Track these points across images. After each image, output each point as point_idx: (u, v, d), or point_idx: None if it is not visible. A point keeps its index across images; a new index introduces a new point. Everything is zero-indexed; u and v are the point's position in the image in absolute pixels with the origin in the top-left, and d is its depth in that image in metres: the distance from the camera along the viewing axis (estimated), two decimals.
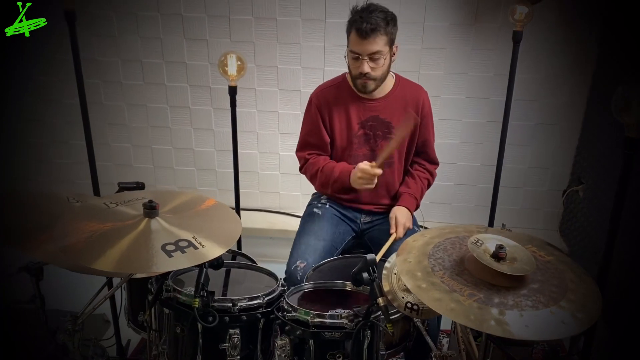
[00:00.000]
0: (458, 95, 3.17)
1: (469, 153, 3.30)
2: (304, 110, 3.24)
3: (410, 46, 3.07)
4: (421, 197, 2.44)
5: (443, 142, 3.25)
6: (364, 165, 2.13)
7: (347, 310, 1.57)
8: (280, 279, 1.85)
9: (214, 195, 3.54)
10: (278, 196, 3.51)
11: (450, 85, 3.15)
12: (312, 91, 2.40)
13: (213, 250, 1.41)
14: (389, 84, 2.31)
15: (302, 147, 2.40)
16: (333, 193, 2.38)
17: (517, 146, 3.23)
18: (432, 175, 2.50)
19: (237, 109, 3.27)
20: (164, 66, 3.25)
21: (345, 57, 2.25)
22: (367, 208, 2.42)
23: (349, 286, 1.81)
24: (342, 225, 2.39)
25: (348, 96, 2.29)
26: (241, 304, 1.62)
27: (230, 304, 1.61)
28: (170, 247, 1.38)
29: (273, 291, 1.72)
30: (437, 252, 1.49)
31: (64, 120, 3.39)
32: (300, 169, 2.43)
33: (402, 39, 3.04)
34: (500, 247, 1.40)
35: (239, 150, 3.37)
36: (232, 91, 2.61)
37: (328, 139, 2.33)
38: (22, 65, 3.28)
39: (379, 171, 2.11)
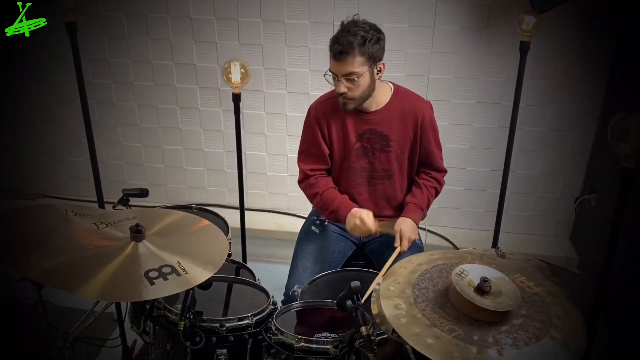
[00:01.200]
0: (469, 100, 3.11)
1: (479, 158, 3.25)
2: None
3: (420, 50, 3.03)
4: (428, 207, 2.41)
5: (453, 147, 3.22)
6: (366, 218, 2.16)
7: (332, 335, 1.57)
8: (272, 296, 1.85)
9: (223, 196, 3.58)
10: (286, 197, 3.52)
11: (461, 89, 3.09)
12: (313, 102, 2.38)
13: (196, 277, 1.42)
14: (385, 95, 2.27)
15: (302, 159, 2.38)
16: (327, 218, 2.38)
17: (529, 152, 3.17)
18: (440, 182, 2.45)
19: (246, 111, 3.32)
20: (174, 68, 3.26)
21: (325, 74, 2.21)
22: None
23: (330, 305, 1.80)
24: (341, 242, 2.38)
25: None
26: (229, 325, 1.64)
27: (217, 325, 1.62)
28: (153, 274, 1.39)
29: (262, 310, 1.72)
30: (422, 282, 1.47)
31: (78, 119, 3.44)
32: (300, 182, 2.41)
33: (411, 42, 3.03)
34: (484, 280, 1.38)
35: (247, 152, 3.42)
36: (236, 98, 2.61)
37: (327, 151, 2.32)
38: (33, 66, 3.33)
39: (375, 233, 2.18)
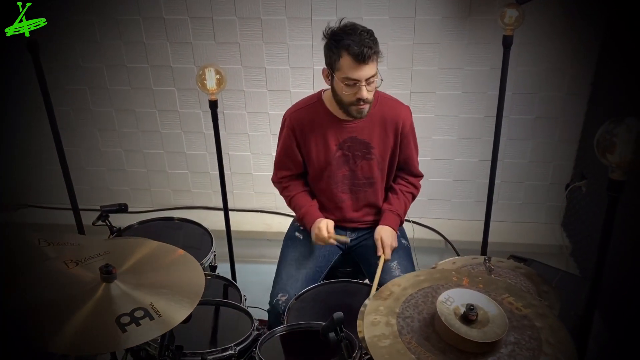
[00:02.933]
0: (454, 90, 3.03)
1: (467, 149, 3.18)
2: None
3: (402, 42, 2.93)
4: (405, 213, 2.37)
5: (440, 139, 3.15)
6: (322, 230, 2.16)
7: None
8: (256, 320, 1.80)
9: (208, 198, 3.51)
10: (273, 197, 3.45)
11: (446, 80, 3.01)
12: (287, 110, 2.30)
13: (171, 318, 1.36)
14: None
15: (276, 167, 2.37)
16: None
17: (518, 140, 3.11)
18: (417, 187, 2.41)
19: (226, 111, 3.23)
20: (149, 70, 3.16)
21: (329, 79, 2.09)
22: (352, 226, 2.36)
23: (314, 327, 1.75)
24: (326, 246, 2.33)
25: (324, 117, 2.18)
26: (212, 357, 1.58)
27: (199, 358, 1.57)
28: (125, 319, 1.33)
29: (246, 338, 1.67)
30: (407, 309, 1.42)
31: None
32: (274, 183, 2.44)
33: (393, 34, 2.93)
34: (470, 309, 1.32)
35: (231, 153, 3.35)
36: (213, 105, 2.52)
37: (301, 160, 2.27)
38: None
39: (333, 243, 2.17)
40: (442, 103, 3.07)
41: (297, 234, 2.36)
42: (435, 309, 1.38)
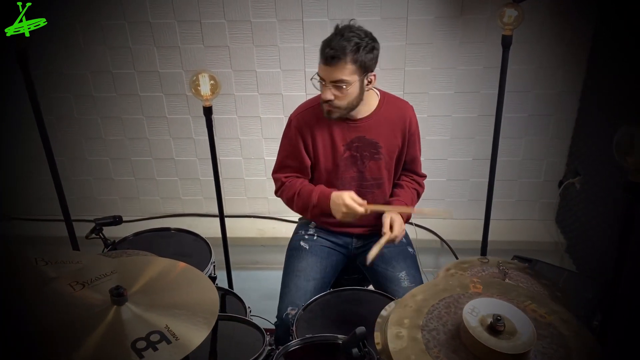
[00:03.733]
0: (447, 90, 3.02)
1: (460, 148, 3.17)
2: (287, 115, 3.11)
3: (394, 43, 2.91)
4: (412, 203, 2.31)
5: (433, 139, 3.13)
6: (351, 200, 2.01)
7: None
8: (267, 335, 1.75)
9: (199, 204, 3.44)
10: (266, 201, 3.40)
11: (439, 80, 2.99)
12: (293, 111, 2.25)
13: (189, 341, 1.30)
14: (373, 102, 2.17)
15: (279, 169, 2.27)
16: (312, 218, 2.27)
17: (511, 139, 3.11)
18: (421, 185, 2.38)
19: (217, 116, 3.15)
20: (136, 76, 3.07)
21: (312, 78, 2.08)
22: (358, 232, 2.31)
23: (340, 339, 1.70)
24: (333, 256, 2.29)
25: None
26: None
27: None
28: (141, 344, 1.27)
29: (259, 355, 1.62)
30: (431, 322, 1.38)
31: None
32: (276, 192, 2.30)
33: (385, 35, 2.89)
34: (497, 319, 1.30)
35: (222, 158, 3.28)
36: (207, 111, 2.46)
37: (309, 162, 2.20)
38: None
39: (362, 211, 2.02)
40: (435, 103, 3.05)
41: (302, 243, 2.30)
42: (460, 320, 1.35)
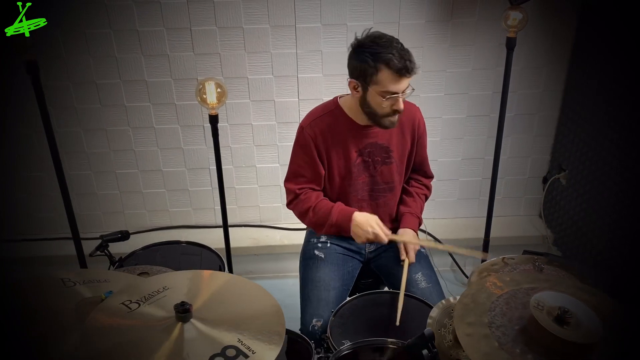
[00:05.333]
0: (437, 92, 3.08)
1: (449, 149, 3.24)
2: (279, 121, 3.11)
3: None
4: (421, 214, 2.37)
5: None
6: (379, 229, 2.06)
7: None
8: (314, 350, 1.72)
9: (188, 216, 3.37)
10: (258, 209, 3.36)
11: (429, 83, 3.05)
12: (303, 119, 2.22)
13: (264, 355, 1.26)
14: None
15: (292, 179, 2.22)
16: (325, 234, 2.26)
17: None
18: (429, 188, 2.44)
19: (206, 124, 3.10)
20: (122, 86, 2.97)
21: (359, 91, 2.01)
22: None
23: (390, 343, 1.70)
24: (349, 262, 2.28)
25: (344, 124, 2.14)
26: None
27: None
28: None
29: None
30: (496, 319, 1.41)
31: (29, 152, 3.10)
32: (289, 204, 2.26)
33: None
34: (565, 311, 1.34)
35: (212, 168, 3.21)
36: (214, 120, 2.41)
37: (323, 172, 2.18)
38: None
39: (385, 241, 2.08)
40: (425, 105, 3.05)
41: (316, 252, 2.28)
42: (526, 315, 1.39)
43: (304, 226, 3.31)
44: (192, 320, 1.33)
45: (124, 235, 2.31)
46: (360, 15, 2.87)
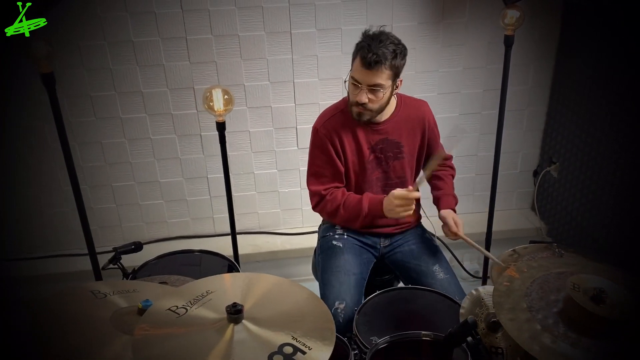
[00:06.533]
0: (430, 92, 3.15)
1: (444, 147, 3.30)
2: (276, 127, 3.13)
3: None
4: (454, 191, 2.44)
5: None
6: (400, 191, 2.06)
7: None
8: (350, 347, 1.74)
9: (186, 226, 3.34)
10: (257, 216, 3.36)
11: (422, 83, 3.12)
12: (315, 121, 2.26)
13: (321, 351, 1.28)
14: (392, 104, 2.25)
15: (316, 181, 2.26)
16: (361, 228, 2.29)
17: (489, 134, 3.27)
18: (453, 168, 2.53)
19: (204, 133, 3.10)
20: (117, 97, 2.94)
21: (345, 80, 2.14)
22: (386, 231, 2.37)
23: (424, 335, 1.73)
24: (364, 254, 2.33)
25: (355, 121, 2.18)
26: None
27: None
28: (277, 358, 1.24)
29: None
30: (533, 303, 1.46)
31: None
32: (315, 206, 2.30)
33: None
34: (601, 291, 1.40)
35: (210, 176, 3.21)
36: (221, 127, 2.42)
37: (342, 168, 2.24)
38: None
39: (418, 194, 2.07)
40: None
41: (334, 242, 2.32)
42: (563, 297, 1.45)
43: (304, 230, 3.38)
44: (243, 321, 1.34)
45: (137, 247, 2.29)
46: (354, 19, 2.92)
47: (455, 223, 2.23)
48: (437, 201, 2.36)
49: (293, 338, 1.30)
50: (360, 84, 2.03)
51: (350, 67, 2.11)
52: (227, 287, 1.49)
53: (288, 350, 1.27)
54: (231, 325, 1.32)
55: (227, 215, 3.31)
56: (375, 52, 1.96)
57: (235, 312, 1.32)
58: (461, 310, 1.67)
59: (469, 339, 1.43)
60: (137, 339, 1.31)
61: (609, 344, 1.34)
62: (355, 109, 2.11)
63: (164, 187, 3.21)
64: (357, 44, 2.06)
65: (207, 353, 1.27)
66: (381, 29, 2.06)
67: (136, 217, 3.26)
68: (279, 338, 1.31)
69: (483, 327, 1.65)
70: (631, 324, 1.37)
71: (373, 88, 2.03)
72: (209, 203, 3.29)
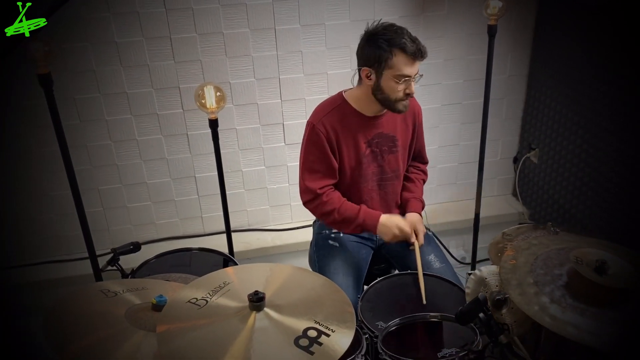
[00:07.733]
0: None
1: (427, 138, 3.34)
2: (263, 124, 3.14)
3: None
4: (422, 196, 2.49)
5: None
6: (407, 230, 2.20)
7: (455, 350, 1.57)
8: (363, 335, 1.78)
9: (175, 227, 3.33)
10: (246, 213, 3.37)
11: None
12: (310, 117, 2.27)
13: (344, 332, 1.31)
14: None
15: (309, 176, 2.25)
16: (349, 233, 2.33)
17: (471, 124, 3.37)
18: (426, 173, 2.57)
19: (190, 132, 3.10)
20: (102, 99, 2.92)
21: (371, 78, 2.12)
22: None
23: (432, 317, 1.78)
24: (362, 249, 2.36)
25: (352, 117, 2.22)
26: None
27: None
28: (303, 342, 1.27)
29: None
30: (539, 278, 1.52)
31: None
32: (307, 203, 2.29)
33: (354, 37, 2.95)
34: (603, 262, 1.47)
35: (197, 176, 3.21)
36: (213, 124, 2.43)
37: (336, 165, 2.25)
38: None
39: (412, 240, 2.22)
40: None
41: (330, 242, 2.34)
42: (568, 270, 1.51)
43: (294, 226, 3.40)
44: (265, 309, 1.37)
45: (136, 247, 2.28)
46: (337, 14, 2.96)
47: (416, 232, 2.27)
48: (405, 202, 2.41)
49: (315, 322, 1.34)
50: (411, 76, 2.07)
51: (378, 67, 2.08)
52: (244, 277, 1.51)
53: (312, 334, 1.30)
54: (253, 313, 1.35)
55: (216, 214, 3.34)
56: (415, 42, 2.04)
57: (257, 300, 1.34)
58: (467, 290, 1.73)
59: (481, 315, 1.48)
60: (161, 333, 1.32)
61: (614, 311, 1.41)
62: (402, 103, 2.14)
63: (152, 189, 3.19)
64: (389, 43, 2.04)
65: (232, 341, 1.29)
66: (382, 23, 2.10)
67: (124, 219, 3.24)
68: (301, 323, 1.34)
69: (488, 305, 1.71)
70: (633, 291, 1.45)
71: (416, 75, 2.10)
72: (197, 203, 3.29)
